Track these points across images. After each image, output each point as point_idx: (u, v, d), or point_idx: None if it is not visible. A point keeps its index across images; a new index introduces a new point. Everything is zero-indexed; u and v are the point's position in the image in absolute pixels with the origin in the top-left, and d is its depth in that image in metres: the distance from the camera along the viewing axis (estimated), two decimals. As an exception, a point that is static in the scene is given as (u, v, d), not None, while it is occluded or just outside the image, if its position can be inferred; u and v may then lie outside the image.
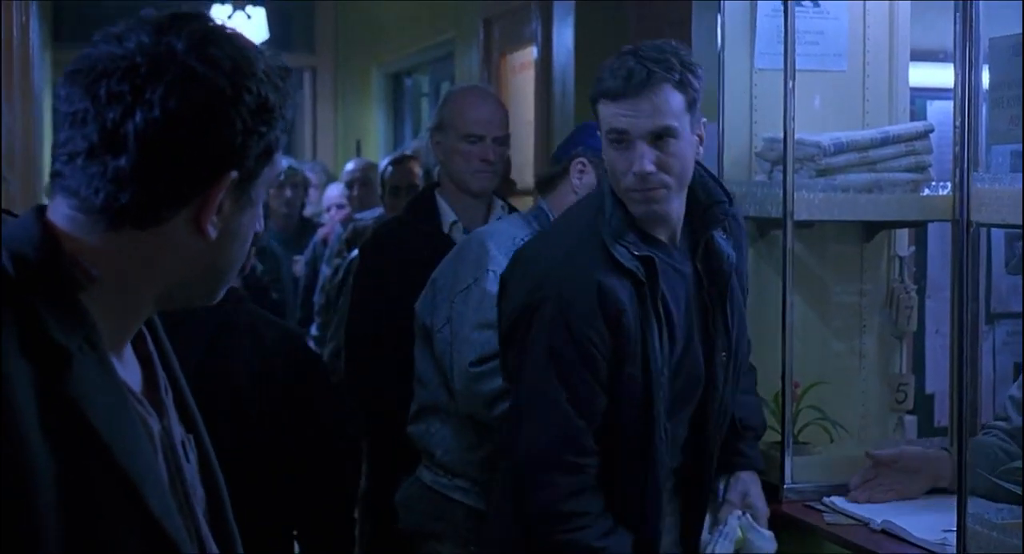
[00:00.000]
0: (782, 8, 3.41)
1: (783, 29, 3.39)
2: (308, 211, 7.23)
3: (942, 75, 3.46)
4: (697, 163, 2.85)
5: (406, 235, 3.89)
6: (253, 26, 8.75)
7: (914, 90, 3.79)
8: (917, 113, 3.86)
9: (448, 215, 3.85)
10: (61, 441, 1.40)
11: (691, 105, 2.74)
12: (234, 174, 1.50)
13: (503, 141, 3.87)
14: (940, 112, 3.70)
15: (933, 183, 3.48)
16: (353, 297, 4.01)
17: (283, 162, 1.61)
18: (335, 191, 7.16)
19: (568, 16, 5.43)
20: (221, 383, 3.06)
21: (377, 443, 4.13)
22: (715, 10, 3.64)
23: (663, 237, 2.82)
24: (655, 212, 2.78)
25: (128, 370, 1.58)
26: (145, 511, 1.46)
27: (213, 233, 1.52)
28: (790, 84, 3.34)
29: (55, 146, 1.50)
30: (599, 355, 2.71)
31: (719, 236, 2.87)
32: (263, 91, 1.49)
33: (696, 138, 2.78)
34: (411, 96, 8.77)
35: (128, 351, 1.61)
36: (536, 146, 5.86)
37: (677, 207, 2.81)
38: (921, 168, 3.48)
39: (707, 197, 2.86)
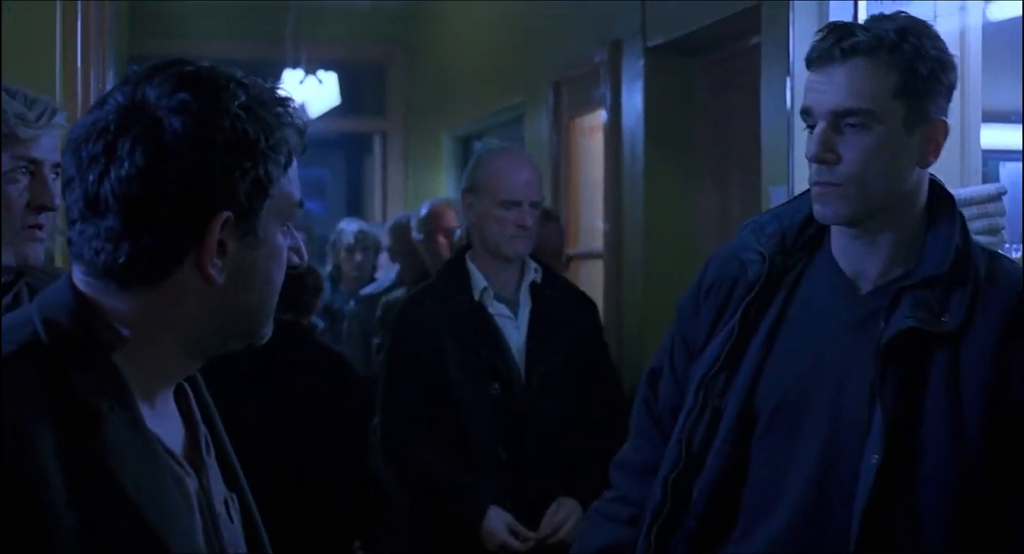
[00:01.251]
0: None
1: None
2: (380, 274, 7.27)
3: (1014, 136, 3.45)
4: (949, 201, 2.23)
5: (436, 304, 3.77)
6: (325, 91, 8.85)
7: (986, 152, 3.77)
8: (989, 175, 3.84)
9: (479, 281, 3.76)
10: (90, 502, 1.40)
11: (907, 93, 2.12)
12: (226, 214, 1.48)
13: (538, 205, 3.81)
14: (1013, 174, 3.70)
15: (1006, 245, 3.45)
16: (386, 372, 3.85)
17: (297, 195, 1.59)
18: None
19: (637, 80, 5.45)
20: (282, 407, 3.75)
21: (420, 528, 3.91)
22: (785, 73, 3.67)
23: (853, 270, 2.24)
24: (824, 216, 2.19)
25: (168, 427, 1.58)
26: None
27: (219, 277, 1.51)
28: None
29: (65, 214, 1.53)
30: (686, 324, 2.40)
31: (906, 303, 2.15)
32: (239, 127, 1.47)
33: (918, 141, 2.15)
34: (480, 160, 8.82)
35: (170, 408, 1.61)
36: (605, 209, 5.87)
37: (877, 230, 2.19)
38: (994, 231, 3.45)
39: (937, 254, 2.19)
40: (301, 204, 1.60)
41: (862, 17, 3.43)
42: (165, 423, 1.58)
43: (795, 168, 3.61)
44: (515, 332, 3.76)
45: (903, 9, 2.15)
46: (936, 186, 2.25)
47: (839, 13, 3.57)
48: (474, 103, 8.17)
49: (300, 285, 4.36)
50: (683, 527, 2.28)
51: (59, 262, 2.96)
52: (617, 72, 5.65)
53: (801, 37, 3.62)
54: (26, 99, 2.32)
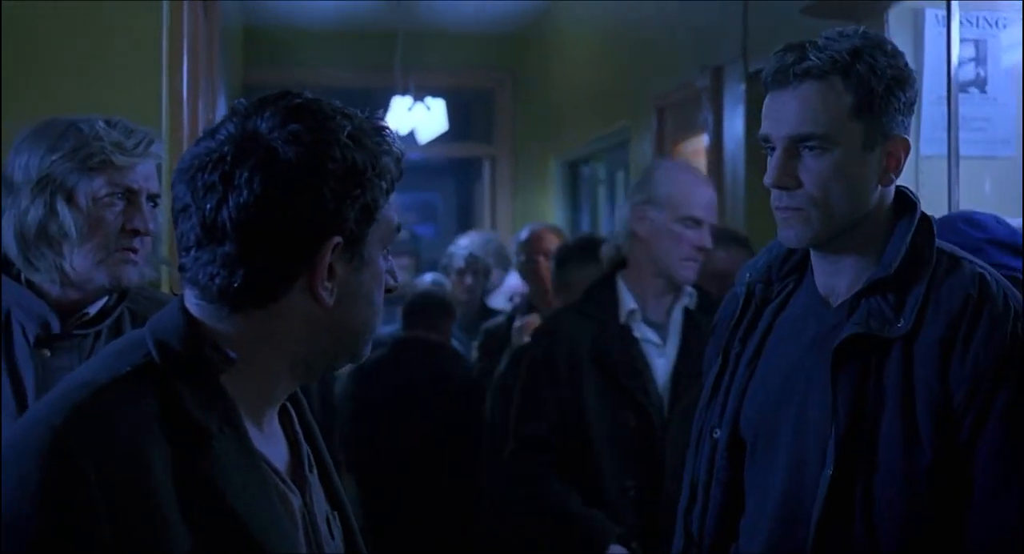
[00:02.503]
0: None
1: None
2: (490, 299, 7.24)
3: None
4: (924, 217, 2.19)
5: (579, 324, 3.52)
6: (433, 118, 8.95)
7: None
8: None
9: (628, 302, 3.48)
10: (199, 518, 1.47)
11: (863, 113, 2.09)
12: (337, 239, 1.54)
13: (713, 231, 3.51)
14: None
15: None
16: (521, 391, 3.61)
17: (397, 220, 1.65)
18: (516, 280, 7.20)
19: (738, 105, 5.47)
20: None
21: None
22: None
23: (826, 288, 2.23)
24: (787, 240, 2.19)
25: (273, 446, 1.64)
26: None
27: (329, 299, 1.56)
28: (953, 171, 3.34)
29: (177, 242, 1.58)
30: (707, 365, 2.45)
31: (860, 310, 2.14)
32: (348, 156, 1.53)
33: (878, 159, 2.12)
34: (588, 184, 8.86)
35: (275, 427, 1.67)
36: (708, 232, 5.87)
37: (841, 249, 2.18)
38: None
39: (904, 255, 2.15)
40: (399, 228, 1.66)
41: (955, 37, 3.42)
42: (271, 442, 1.64)
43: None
44: (661, 360, 3.49)
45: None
46: (902, 195, 2.21)
47: (933, 36, 3.57)
48: (581, 128, 8.23)
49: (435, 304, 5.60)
50: None
51: (164, 289, 3.05)
52: (719, 97, 5.67)
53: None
54: (125, 129, 2.42)
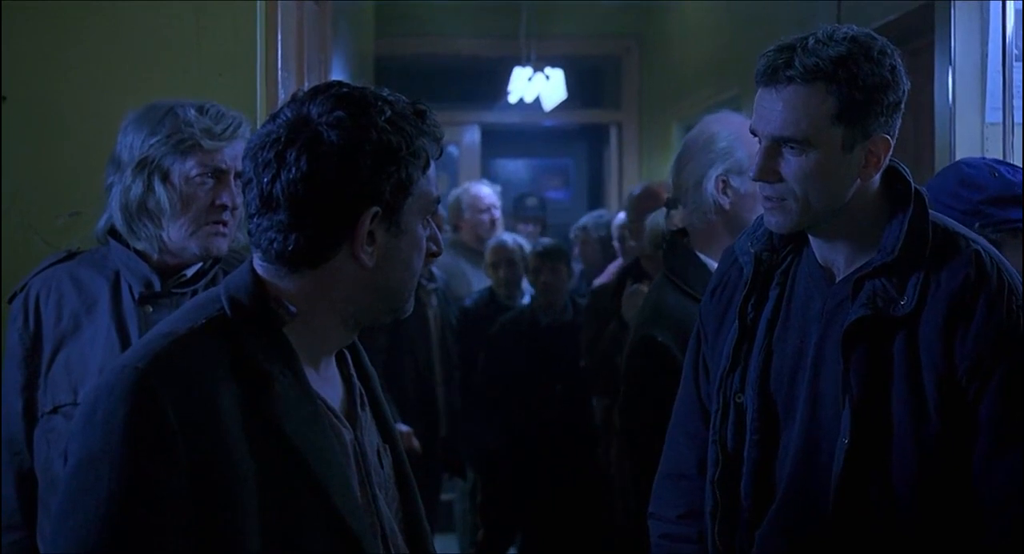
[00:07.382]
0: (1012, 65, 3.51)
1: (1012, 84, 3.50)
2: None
3: None
4: (918, 196, 2.28)
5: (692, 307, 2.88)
6: (551, 87, 9.11)
7: None
8: None
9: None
10: (262, 447, 1.70)
11: (844, 118, 2.18)
12: (374, 209, 1.75)
13: None
14: None
15: None
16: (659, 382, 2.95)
17: (435, 192, 1.84)
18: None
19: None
20: None
21: None
22: (947, 64, 3.72)
23: (826, 262, 2.35)
24: (771, 225, 2.32)
25: (329, 387, 1.87)
26: (331, 507, 1.73)
27: (369, 261, 1.78)
28: (1008, 137, 3.46)
29: (244, 210, 1.82)
30: (701, 330, 2.55)
31: (865, 292, 2.25)
32: (384, 137, 1.74)
33: (858, 157, 2.22)
34: (708, 148, 8.94)
35: (332, 371, 1.89)
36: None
37: (831, 233, 2.30)
38: None
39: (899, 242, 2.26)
40: (438, 200, 1.86)
41: (1011, 7, 3.50)
42: (327, 384, 1.87)
43: (956, 160, 3.70)
44: None
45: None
46: (895, 175, 2.30)
47: (998, 7, 3.62)
48: (698, 94, 8.34)
49: None
50: (740, 521, 2.38)
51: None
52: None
53: (963, 34, 3.69)
54: (216, 115, 2.67)
